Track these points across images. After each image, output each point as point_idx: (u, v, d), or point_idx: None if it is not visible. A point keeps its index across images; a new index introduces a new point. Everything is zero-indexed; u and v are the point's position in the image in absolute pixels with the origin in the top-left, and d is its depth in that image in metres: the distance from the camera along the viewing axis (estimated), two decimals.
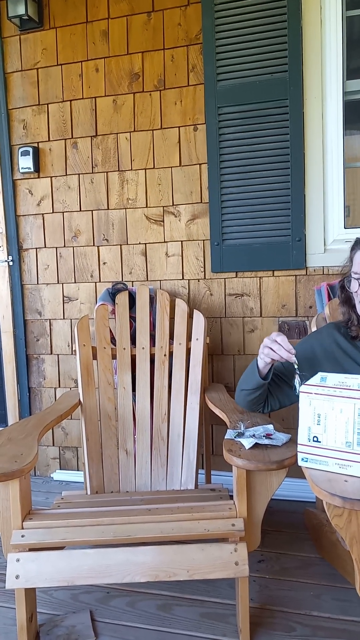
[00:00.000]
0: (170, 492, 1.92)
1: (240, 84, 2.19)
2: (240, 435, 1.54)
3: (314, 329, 1.94)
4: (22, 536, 1.46)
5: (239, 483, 1.44)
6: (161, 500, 1.80)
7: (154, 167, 2.40)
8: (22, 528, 1.47)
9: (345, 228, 2.20)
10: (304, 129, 2.15)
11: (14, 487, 1.46)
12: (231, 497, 1.82)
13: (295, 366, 1.49)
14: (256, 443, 1.47)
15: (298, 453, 1.33)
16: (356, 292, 1.55)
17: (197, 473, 1.98)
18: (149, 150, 2.40)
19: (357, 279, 1.54)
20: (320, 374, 1.33)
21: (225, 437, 1.55)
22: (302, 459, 1.32)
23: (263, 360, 1.57)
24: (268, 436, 1.52)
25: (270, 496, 1.47)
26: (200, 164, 2.32)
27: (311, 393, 1.31)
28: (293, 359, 1.49)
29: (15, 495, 1.46)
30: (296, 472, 1.39)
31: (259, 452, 1.43)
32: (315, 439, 1.30)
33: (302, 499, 2.25)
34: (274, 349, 1.51)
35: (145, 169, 2.41)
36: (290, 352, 1.49)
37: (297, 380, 1.49)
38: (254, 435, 1.53)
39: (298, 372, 1.49)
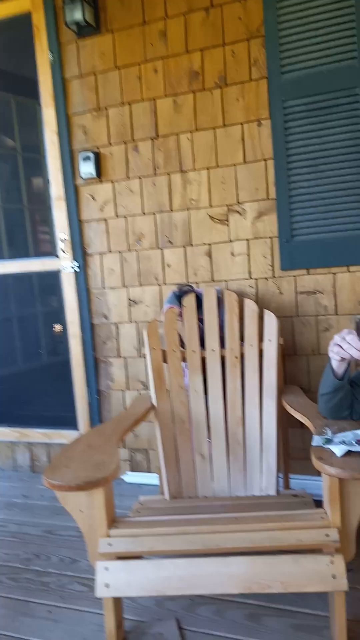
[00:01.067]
0: (251, 498, 1.88)
1: (305, 74, 2.11)
2: (329, 441, 1.48)
3: None
4: (110, 544, 1.45)
5: (331, 492, 1.38)
6: (243, 506, 1.77)
7: (216, 166, 2.35)
8: (109, 536, 1.47)
9: None
10: None
11: (99, 495, 1.45)
12: (316, 503, 1.78)
13: None
14: (349, 450, 1.40)
15: None
16: None
17: (277, 479, 1.93)
18: (212, 149, 2.35)
19: None
20: None
21: (313, 444, 1.49)
22: None
23: (334, 359, 1.51)
24: (359, 442, 1.45)
25: None
26: (265, 160, 2.25)
27: None
28: None
29: (101, 503, 1.46)
30: None
31: (353, 460, 1.36)
32: None
33: None
34: (343, 347, 1.45)
35: (208, 169, 2.37)
36: None
37: None
38: (343, 441, 1.46)
39: None
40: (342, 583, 1.32)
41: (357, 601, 1.65)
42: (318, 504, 1.75)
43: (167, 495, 1.97)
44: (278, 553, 1.39)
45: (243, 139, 2.29)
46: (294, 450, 2.30)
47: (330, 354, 1.51)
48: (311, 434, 2.29)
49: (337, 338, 1.48)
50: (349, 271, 2.18)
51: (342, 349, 1.45)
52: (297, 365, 2.31)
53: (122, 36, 2.47)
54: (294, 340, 2.30)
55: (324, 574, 1.34)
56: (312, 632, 1.55)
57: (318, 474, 2.32)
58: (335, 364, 1.53)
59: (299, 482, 2.24)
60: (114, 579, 1.42)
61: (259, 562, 1.38)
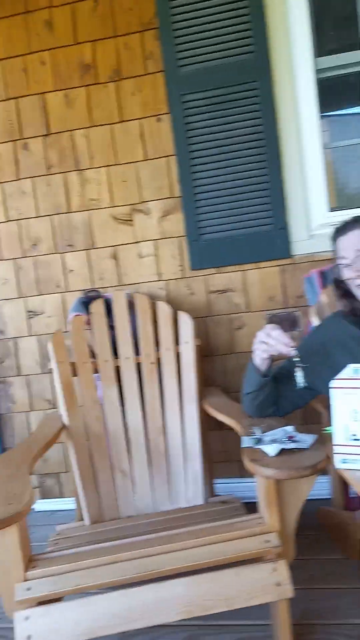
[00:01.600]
0: (178, 511, 1.76)
1: (204, 68, 2.06)
2: (259, 441, 1.41)
3: (314, 320, 1.84)
4: (28, 589, 1.25)
5: (268, 494, 1.31)
6: (172, 521, 1.64)
7: (116, 164, 2.23)
8: (26, 579, 1.27)
9: (330, 211, 2.12)
10: (276, 111, 2.05)
11: (11, 534, 1.26)
12: (246, 506, 1.70)
13: (296, 359, 1.37)
14: (282, 449, 1.34)
15: (335, 454, 1.21)
16: (349, 278, 1.47)
17: (204, 486, 1.83)
18: (110, 146, 2.23)
19: (348, 265, 1.47)
20: (352, 366, 1.21)
21: (243, 446, 1.41)
22: (342, 461, 1.20)
23: (259, 356, 1.45)
24: (291, 439, 1.40)
25: (302, 504, 1.35)
26: (167, 157, 2.17)
27: (344, 387, 1.20)
28: (293, 352, 1.37)
29: (15, 543, 1.26)
30: None
31: (288, 458, 1.30)
32: (354, 437, 1.18)
33: (311, 497, 2.14)
34: (270, 343, 1.39)
35: (107, 166, 2.24)
36: (288, 346, 1.37)
37: (299, 374, 1.38)
38: (274, 440, 1.40)
39: (300, 365, 1.38)
40: (287, 589, 1.25)
41: (298, 602, 1.59)
42: (247, 507, 1.68)
43: (87, 521, 1.79)
44: (218, 568, 1.28)
45: (143, 135, 2.19)
46: (216, 454, 2.23)
47: (256, 352, 1.44)
48: (232, 435, 2.25)
49: (261, 335, 1.41)
50: (259, 268, 2.16)
51: (269, 345, 1.39)
52: (213, 365, 2.24)
53: (2, 26, 2.27)
54: (209, 340, 2.24)
55: (267, 583, 1.25)
56: None
57: (241, 475, 2.30)
58: (259, 361, 1.47)
59: (222, 486, 2.16)
60: (37, 629, 1.23)
61: (199, 581, 1.26)
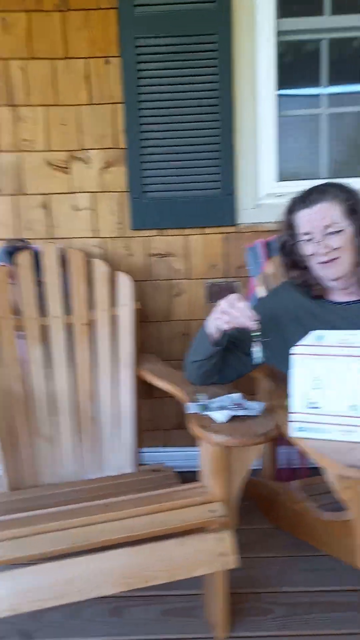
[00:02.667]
0: (107, 479, 1.67)
1: (162, 12, 1.91)
2: (207, 408, 1.35)
3: (259, 288, 1.81)
4: None
5: (215, 462, 1.26)
6: (102, 489, 1.56)
7: (57, 105, 2.02)
8: None
9: (278, 181, 2.08)
10: (234, 68, 1.96)
11: None
12: (177, 475, 1.65)
13: (256, 334, 1.32)
14: (232, 415, 1.30)
15: (292, 422, 1.19)
16: (312, 254, 1.43)
17: (136, 454, 1.75)
18: (50, 84, 2.01)
19: (309, 240, 1.42)
20: (315, 333, 1.19)
21: (190, 412, 1.35)
22: (299, 429, 1.18)
23: (218, 326, 1.37)
24: (239, 406, 1.36)
25: (248, 473, 1.32)
26: (114, 104, 2.00)
27: (306, 354, 1.17)
28: (255, 326, 1.32)
29: None
30: None
31: (239, 425, 1.26)
32: (312, 405, 1.16)
33: None
34: (234, 314, 1.32)
35: (46, 106, 2.02)
36: (251, 319, 1.31)
37: (256, 347, 1.33)
38: (222, 407, 1.35)
39: (260, 338, 1.33)
40: (232, 560, 1.22)
41: (230, 571, 1.58)
42: (178, 476, 1.64)
43: (5, 487, 1.64)
44: (160, 539, 1.22)
45: (89, 77, 2.00)
46: (145, 422, 2.15)
47: (216, 321, 1.36)
48: (160, 404, 2.19)
49: (224, 305, 1.33)
50: (202, 233, 2.08)
51: (231, 316, 1.31)
52: (148, 332, 2.15)
53: None
54: (146, 306, 2.13)
55: (212, 553, 1.21)
56: (184, 615, 1.43)
57: (165, 444, 2.25)
58: (213, 330, 1.39)
59: (147, 455, 2.09)
60: None
61: (139, 552, 1.19)
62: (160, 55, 1.94)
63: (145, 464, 1.94)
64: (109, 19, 1.97)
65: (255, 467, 1.94)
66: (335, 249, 1.41)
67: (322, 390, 1.15)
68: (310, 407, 1.16)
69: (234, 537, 1.23)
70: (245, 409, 1.34)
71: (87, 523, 1.22)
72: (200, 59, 1.94)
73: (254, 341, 1.32)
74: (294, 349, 1.19)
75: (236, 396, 1.42)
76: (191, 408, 1.37)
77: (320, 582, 1.52)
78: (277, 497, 1.71)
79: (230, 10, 1.92)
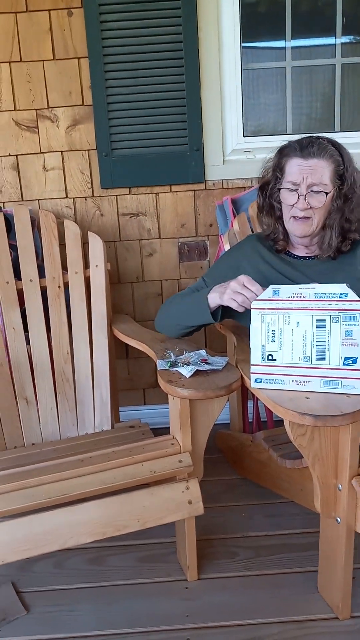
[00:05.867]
0: (85, 437, 1.72)
1: None
2: (175, 364, 1.39)
3: (225, 246, 1.82)
4: None
5: (182, 415, 1.30)
6: (80, 446, 1.60)
7: (20, 60, 1.96)
8: None
9: (244, 137, 2.06)
10: (198, 20, 1.89)
11: None
12: (151, 431, 1.70)
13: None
14: (197, 370, 1.33)
15: (251, 374, 1.23)
16: (293, 204, 1.43)
17: (112, 412, 1.80)
18: (12, 38, 1.94)
19: (294, 190, 1.41)
20: (272, 287, 1.21)
21: (159, 369, 1.39)
22: (256, 380, 1.22)
23: (231, 303, 1.35)
24: (204, 361, 1.39)
25: (212, 424, 1.36)
26: (79, 58, 1.95)
27: (264, 309, 1.20)
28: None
29: None
30: None
31: (203, 379, 1.30)
32: (270, 357, 1.20)
33: None
34: (248, 297, 1.30)
35: (9, 62, 1.96)
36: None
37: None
38: (189, 362, 1.38)
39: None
40: (199, 507, 1.28)
41: (198, 521, 1.65)
42: (155, 432, 1.69)
43: None
44: (132, 490, 1.27)
45: (51, 30, 1.94)
46: (122, 382, 2.20)
47: (230, 302, 1.35)
48: (137, 364, 2.23)
49: (237, 286, 1.32)
50: (172, 191, 2.06)
51: (247, 298, 1.30)
52: (121, 293, 2.16)
53: None
54: (118, 266, 2.14)
55: (180, 501, 1.27)
56: (158, 560, 1.51)
57: (145, 403, 2.30)
58: (214, 304, 1.40)
59: (127, 413, 2.15)
60: None
61: (112, 503, 1.25)
62: (124, 5, 1.88)
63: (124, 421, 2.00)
64: None
65: (226, 422, 2.03)
66: (311, 207, 1.41)
67: (278, 342, 1.18)
68: (267, 360, 1.20)
69: (198, 485, 1.29)
70: (210, 363, 1.38)
71: (62, 478, 1.27)
72: (164, 10, 1.88)
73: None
74: (253, 303, 1.21)
75: (203, 352, 1.45)
76: (160, 364, 1.41)
77: (283, 526, 1.60)
78: (244, 449, 1.77)
79: None
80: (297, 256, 1.55)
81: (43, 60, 1.96)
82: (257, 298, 1.21)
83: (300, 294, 1.17)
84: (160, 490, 1.26)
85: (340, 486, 1.19)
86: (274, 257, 1.55)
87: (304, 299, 1.17)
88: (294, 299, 1.17)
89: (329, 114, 2.15)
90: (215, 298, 1.40)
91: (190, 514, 1.28)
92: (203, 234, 2.11)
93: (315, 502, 1.22)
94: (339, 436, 1.16)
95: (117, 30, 1.90)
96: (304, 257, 1.55)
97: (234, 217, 1.90)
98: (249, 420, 1.94)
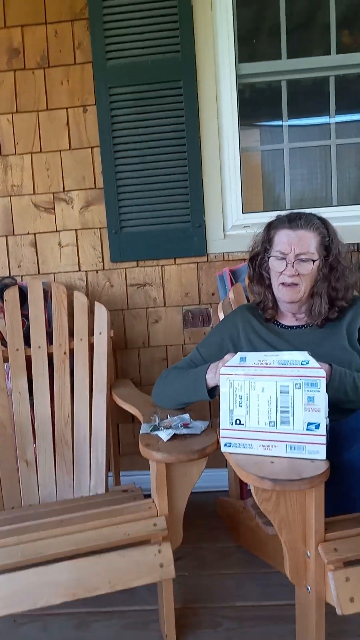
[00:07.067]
0: (79, 500, 1.76)
1: (131, 63, 2.09)
2: (156, 428, 1.44)
3: (220, 315, 1.90)
4: None
5: (158, 478, 1.34)
6: (71, 509, 1.63)
7: (40, 151, 2.21)
8: None
9: (243, 213, 2.19)
10: (199, 111, 2.10)
11: None
12: (146, 496, 1.72)
13: None
14: (174, 434, 1.38)
15: (221, 438, 1.27)
16: (281, 272, 1.51)
17: (107, 476, 1.84)
18: (35, 133, 2.20)
19: (282, 258, 1.51)
20: (239, 354, 1.27)
21: (141, 432, 1.44)
22: (225, 444, 1.26)
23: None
24: (185, 425, 1.44)
25: (191, 488, 1.39)
26: (92, 147, 2.18)
27: (231, 374, 1.26)
28: None
29: None
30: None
31: (179, 443, 1.34)
32: (237, 421, 1.24)
33: (212, 489, 2.19)
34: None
35: (31, 153, 2.21)
36: None
37: None
38: (170, 426, 1.43)
39: None
40: (170, 570, 1.28)
41: (186, 587, 1.64)
42: (148, 497, 1.71)
43: None
44: (108, 551, 1.30)
45: (68, 124, 2.19)
46: (125, 446, 2.25)
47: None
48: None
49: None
50: (176, 263, 2.20)
51: None
52: (128, 358, 2.26)
53: None
54: (125, 333, 2.25)
55: (151, 564, 1.28)
56: (140, 628, 1.50)
57: (148, 467, 2.32)
58: (212, 383, 1.46)
59: (130, 478, 2.17)
60: None
61: (84, 565, 1.27)
62: (132, 102, 2.11)
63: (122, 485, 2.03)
64: (86, 72, 2.16)
65: (223, 489, 2.02)
66: (299, 274, 1.50)
67: (245, 407, 1.23)
68: (235, 424, 1.24)
69: (171, 550, 1.30)
70: (190, 427, 1.42)
71: (39, 538, 1.31)
72: (168, 104, 2.10)
73: None
74: (222, 369, 1.27)
75: (186, 416, 1.50)
76: (143, 428, 1.47)
77: (271, 597, 1.55)
78: (238, 515, 1.75)
79: (194, 58, 2.07)
80: (286, 326, 1.62)
81: (60, 150, 2.20)
82: (226, 364, 1.27)
83: (265, 360, 1.23)
84: (132, 552, 1.28)
85: (308, 553, 1.18)
86: (262, 327, 1.62)
87: (268, 365, 1.22)
88: (260, 365, 1.23)
89: (326, 190, 2.28)
90: (212, 378, 1.46)
91: (161, 577, 1.28)
92: (206, 301, 2.22)
93: (285, 569, 1.21)
94: (305, 501, 1.17)
95: (126, 122, 2.12)
96: (292, 327, 1.61)
97: (232, 286, 1.99)
98: (247, 488, 1.93)
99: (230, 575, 1.68)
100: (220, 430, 1.26)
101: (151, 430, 1.44)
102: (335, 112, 2.19)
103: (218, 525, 1.97)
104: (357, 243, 2.08)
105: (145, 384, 2.18)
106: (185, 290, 2.21)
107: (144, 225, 2.16)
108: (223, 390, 1.25)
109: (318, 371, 1.17)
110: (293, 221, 1.53)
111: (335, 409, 1.35)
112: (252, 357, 1.25)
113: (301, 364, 1.19)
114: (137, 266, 2.22)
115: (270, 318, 1.62)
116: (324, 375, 1.16)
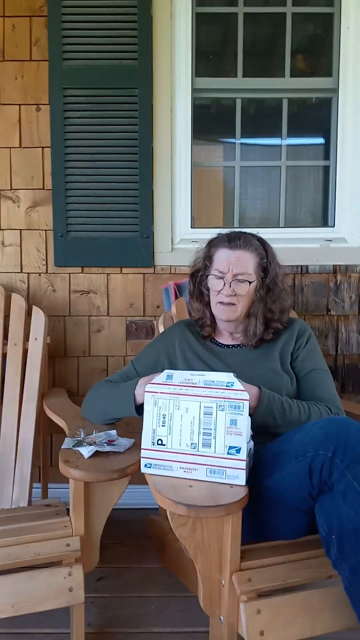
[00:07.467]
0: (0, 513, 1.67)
1: (88, 66, 2.04)
2: (80, 443, 1.38)
3: (161, 328, 1.86)
4: None
5: (75, 497, 1.28)
6: None
7: None
8: None
9: (191, 228, 2.17)
10: (153, 121, 2.07)
11: None
12: (67, 511, 1.66)
13: None
14: (96, 451, 1.32)
15: (141, 459, 1.22)
16: (219, 291, 1.49)
17: (31, 488, 1.76)
18: None
19: (220, 277, 1.48)
20: (166, 372, 1.23)
21: (63, 447, 1.38)
22: (145, 465, 1.21)
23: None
24: (110, 442, 1.39)
25: (111, 508, 1.34)
26: (43, 147, 2.11)
27: (157, 392, 1.21)
28: None
29: None
30: (138, 477, 1.27)
31: (99, 461, 1.29)
32: (159, 442, 1.20)
33: (145, 506, 2.14)
34: None
35: None
36: None
37: None
38: (94, 442, 1.38)
39: None
40: (78, 595, 1.22)
41: (104, 610, 1.58)
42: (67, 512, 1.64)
43: None
44: (12, 572, 1.23)
45: (20, 122, 2.12)
46: (55, 457, 2.16)
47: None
48: None
49: None
50: (122, 272, 2.15)
51: None
52: (67, 367, 2.19)
53: None
54: (66, 341, 2.18)
55: (60, 587, 1.22)
56: None
57: None
58: (140, 399, 1.42)
59: (61, 491, 2.08)
60: None
61: None
62: (86, 105, 2.06)
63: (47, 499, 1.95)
64: (41, 70, 2.10)
65: (156, 507, 1.97)
66: (236, 294, 1.47)
67: (168, 427, 1.19)
68: (157, 444, 1.20)
69: (82, 572, 1.24)
70: (114, 445, 1.37)
71: None
72: (122, 110, 2.06)
73: None
74: (147, 387, 1.23)
75: (112, 432, 1.45)
76: (66, 443, 1.40)
77: (191, 623, 1.50)
78: (165, 536, 1.71)
79: (151, 67, 2.05)
80: (222, 344, 1.59)
81: (10, 147, 2.12)
82: (152, 382, 1.23)
83: (192, 380, 1.19)
84: (40, 574, 1.22)
85: (223, 582, 1.14)
86: (199, 344, 1.58)
87: (194, 385, 1.19)
88: (185, 384, 1.19)
89: (274, 210, 2.29)
90: (141, 395, 1.41)
91: (69, 603, 1.22)
92: (151, 314, 2.17)
93: (199, 598, 1.17)
94: (222, 528, 1.14)
95: (78, 126, 2.07)
96: (228, 346, 1.59)
97: (175, 300, 1.96)
98: None
99: (152, 598, 1.63)
100: (141, 450, 1.21)
101: (73, 446, 1.38)
102: (287, 135, 2.21)
103: (147, 545, 1.91)
104: (301, 265, 2.10)
105: (83, 395, 2.08)
106: (131, 300, 2.16)
107: (92, 230, 2.11)
108: (147, 409, 1.21)
109: (242, 394, 1.14)
110: (232, 241, 1.51)
111: (263, 433, 1.33)
112: (179, 375, 1.21)
113: (226, 386, 1.16)
114: (82, 272, 2.16)
115: (207, 335, 1.60)
116: (248, 398, 1.13)
